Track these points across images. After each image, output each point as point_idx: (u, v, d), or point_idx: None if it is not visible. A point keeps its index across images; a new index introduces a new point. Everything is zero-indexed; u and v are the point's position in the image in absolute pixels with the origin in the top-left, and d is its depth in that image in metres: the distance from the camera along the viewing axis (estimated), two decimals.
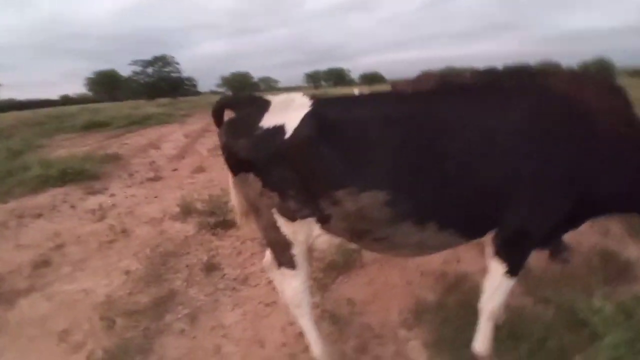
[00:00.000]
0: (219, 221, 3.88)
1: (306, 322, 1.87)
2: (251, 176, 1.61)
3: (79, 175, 6.00)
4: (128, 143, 10.32)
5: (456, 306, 2.37)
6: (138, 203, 4.97)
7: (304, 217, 1.60)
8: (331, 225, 1.60)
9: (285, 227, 1.64)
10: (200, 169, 6.63)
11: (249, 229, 3.78)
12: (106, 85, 38.82)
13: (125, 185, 5.95)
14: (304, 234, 1.66)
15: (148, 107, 22.35)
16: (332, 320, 2.31)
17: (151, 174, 6.47)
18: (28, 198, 5.35)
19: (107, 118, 14.81)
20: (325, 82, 64.83)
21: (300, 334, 2.17)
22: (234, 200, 1.95)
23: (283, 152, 1.52)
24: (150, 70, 39.10)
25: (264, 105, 1.64)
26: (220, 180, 5.75)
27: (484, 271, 2.75)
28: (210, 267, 3.03)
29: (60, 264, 3.34)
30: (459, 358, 1.99)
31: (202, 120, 16.80)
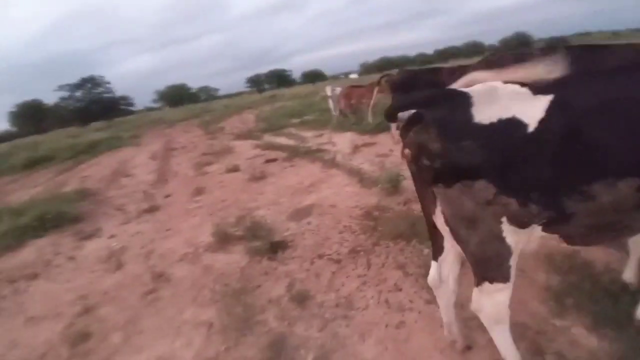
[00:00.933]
0: (269, 244, 3.46)
1: (506, 339, 1.65)
2: (480, 183, 1.34)
3: (59, 219, 5.12)
4: (89, 175, 9.19)
5: (587, 284, 2.27)
6: (152, 240, 4.33)
7: (539, 221, 1.38)
8: (567, 225, 1.39)
9: (512, 236, 1.41)
10: (199, 191, 6.00)
11: (303, 247, 3.49)
12: (31, 117, 34.34)
13: (120, 222, 5.19)
14: (526, 240, 1.45)
15: (88, 133, 20.32)
16: (483, 329, 2.07)
17: (144, 205, 5.74)
18: (7, 257, 4.45)
19: (48, 152, 13.15)
20: (268, 84, 63.75)
21: (465, 351, 1.94)
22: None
23: (528, 149, 1.29)
24: (79, 93, 35.32)
25: (464, 99, 1.37)
26: (234, 199, 5.25)
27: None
28: (299, 297, 2.65)
29: (105, 331, 2.73)
30: (627, 333, 1.88)
31: (159, 139, 15.63)
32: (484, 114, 1.34)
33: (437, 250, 1.80)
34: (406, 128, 1.51)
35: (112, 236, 4.68)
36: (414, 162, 1.48)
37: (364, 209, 4.04)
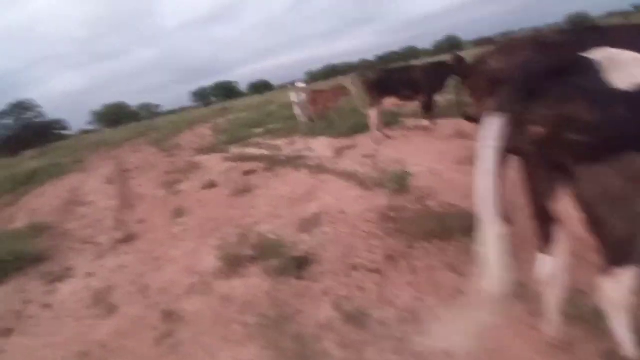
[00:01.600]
0: (291, 261, 3.11)
1: (625, 324, 1.54)
2: (636, 155, 1.20)
3: (20, 261, 4.31)
4: (37, 208, 8.03)
5: None
6: (141, 273, 3.76)
7: None
8: None
9: None
10: (180, 212, 5.41)
11: (328, 259, 3.18)
12: None
13: (93, 257, 4.49)
14: None
15: (22, 163, 18.15)
16: (574, 322, 1.93)
17: (118, 235, 5.05)
18: None
19: None
20: (214, 97, 61.69)
21: (568, 348, 1.78)
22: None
23: None
24: (8, 120, 31.71)
25: (594, 65, 1.22)
26: (224, 216, 4.78)
27: None
28: (354, 317, 2.34)
29: None
30: None
31: (107, 162, 14.30)
32: (618, 80, 1.23)
33: (548, 241, 1.62)
34: (525, 104, 1.32)
35: (89, 274, 4.00)
36: (549, 139, 1.28)
37: (377, 212, 3.83)
